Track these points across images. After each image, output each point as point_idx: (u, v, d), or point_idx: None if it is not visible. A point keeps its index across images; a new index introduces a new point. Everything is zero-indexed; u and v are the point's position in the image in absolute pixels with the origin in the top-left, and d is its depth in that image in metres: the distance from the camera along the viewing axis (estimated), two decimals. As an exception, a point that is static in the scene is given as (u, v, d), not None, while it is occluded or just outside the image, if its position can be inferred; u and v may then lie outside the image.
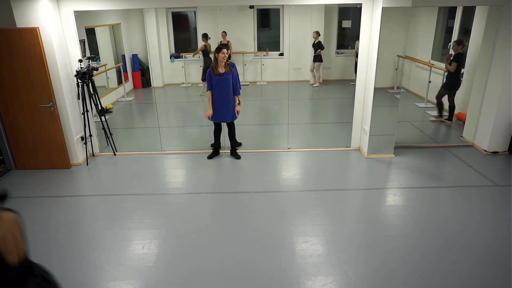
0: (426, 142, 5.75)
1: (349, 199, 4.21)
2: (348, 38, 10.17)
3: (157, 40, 9.32)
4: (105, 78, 7.97)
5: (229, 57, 4.83)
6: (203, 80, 8.34)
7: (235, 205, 4.12)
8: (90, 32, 7.29)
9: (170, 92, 9.51)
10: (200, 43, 9.48)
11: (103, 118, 5.42)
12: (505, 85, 4.92)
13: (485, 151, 5.31)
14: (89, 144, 5.34)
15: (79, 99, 5.10)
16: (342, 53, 10.04)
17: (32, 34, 4.41)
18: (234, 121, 5.14)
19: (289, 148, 5.58)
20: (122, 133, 6.58)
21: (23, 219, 1.79)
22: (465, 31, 6.89)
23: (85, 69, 4.90)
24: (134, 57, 9.37)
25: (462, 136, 5.81)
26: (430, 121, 6.72)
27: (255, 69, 9.78)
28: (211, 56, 8.04)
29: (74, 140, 5.09)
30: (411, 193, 4.28)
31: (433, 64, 7.39)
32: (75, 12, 4.75)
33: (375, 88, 4.90)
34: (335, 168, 4.96)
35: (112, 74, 8.47)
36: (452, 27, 7.24)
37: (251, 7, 9.17)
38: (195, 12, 9.67)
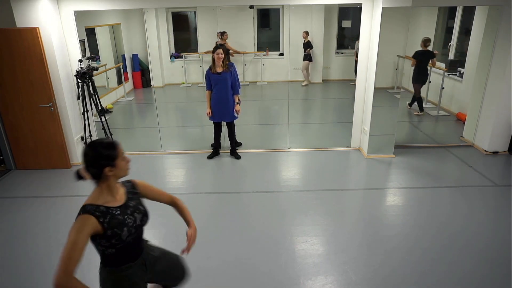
0: (426, 142, 5.75)
1: (349, 199, 4.21)
2: (348, 38, 10.18)
3: (157, 40, 9.32)
4: (105, 78, 7.98)
5: (228, 58, 4.83)
6: None
7: (235, 205, 4.12)
8: (90, 32, 7.29)
9: (170, 92, 9.51)
10: (201, 43, 9.51)
11: (103, 118, 5.42)
12: (505, 85, 4.92)
13: (485, 151, 5.31)
14: (89, 144, 5.33)
15: (79, 99, 5.10)
16: (342, 53, 10.04)
17: (32, 34, 4.41)
18: (234, 121, 5.14)
19: (289, 148, 5.58)
20: (122, 133, 6.58)
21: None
22: (465, 31, 6.90)
23: (85, 69, 4.90)
24: (134, 57, 9.37)
25: (462, 136, 5.81)
26: (415, 115, 7.12)
27: (255, 69, 9.77)
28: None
29: (74, 140, 5.09)
30: (411, 193, 4.28)
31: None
32: (75, 12, 4.75)
33: (375, 88, 4.90)
34: (335, 168, 4.96)
35: (112, 74, 8.47)
36: (452, 27, 7.24)
37: (251, 7, 9.17)
38: (195, 12, 9.67)
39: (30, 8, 4.42)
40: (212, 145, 5.45)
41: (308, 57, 9.08)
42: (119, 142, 1.79)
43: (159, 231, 3.61)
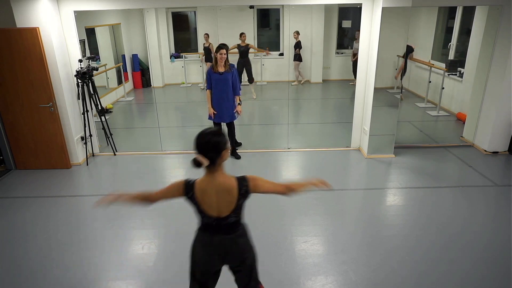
0: (426, 142, 5.75)
1: (349, 199, 4.21)
2: (348, 38, 10.18)
3: (157, 40, 9.32)
4: (105, 78, 7.98)
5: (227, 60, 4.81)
6: (251, 82, 8.40)
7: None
8: (90, 32, 7.29)
9: (170, 92, 9.51)
10: (201, 43, 9.50)
11: (103, 118, 5.42)
12: (505, 85, 4.92)
13: (485, 151, 5.31)
14: (89, 144, 5.34)
15: (79, 99, 5.10)
16: (342, 53, 10.05)
17: (32, 34, 4.41)
18: (234, 121, 5.14)
19: (289, 148, 5.58)
20: (122, 133, 6.58)
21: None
22: (466, 31, 6.90)
23: (85, 69, 4.90)
24: (134, 57, 9.37)
25: (462, 136, 5.81)
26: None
27: (255, 69, 9.75)
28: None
29: (74, 140, 5.09)
30: (411, 193, 4.28)
31: (433, 64, 7.39)
32: (75, 12, 4.75)
33: (375, 88, 4.90)
34: (335, 168, 4.96)
35: (112, 74, 8.47)
36: (452, 27, 7.24)
37: (251, 7, 9.17)
38: (195, 12, 9.67)
39: (30, 8, 4.42)
40: (212, 145, 5.44)
41: (297, 57, 9.09)
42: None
43: (159, 231, 3.61)
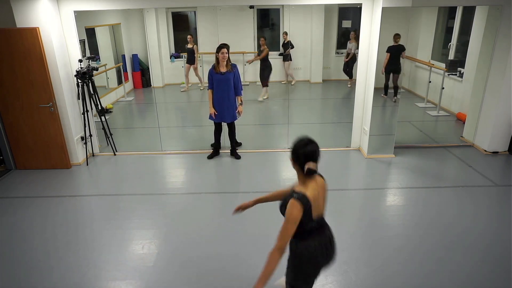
0: (426, 142, 5.75)
1: (349, 199, 4.21)
2: (348, 38, 10.17)
3: (157, 40, 9.32)
4: (105, 78, 7.98)
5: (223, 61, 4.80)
6: (263, 84, 8.38)
7: (235, 205, 4.09)
8: (90, 32, 7.29)
9: (170, 92, 9.51)
10: (201, 43, 9.50)
11: (103, 118, 5.42)
12: (505, 85, 4.92)
13: (485, 151, 5.31)
14: (89, 144, 5.34)
15: (79, 99, 5.10)
16: (342, 53, 10.03)
17: (32, 34, 4.41)
18: (234, 121, 5.14)
19: (289, 148, 5.57)
20: (122, 133, 6.58)
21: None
22: (466, 31, 6.90)
23: (85, 69, 4.90)
24: (134, 57, 9.37)
25: (462, 136, 5.81)
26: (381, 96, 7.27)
27: (255, 69, 9.77)
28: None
29: (74, 140, 5.09)
30: (411, 193, 4.28)
31: (433, 64, 7.39)
32: (75, 12, 4.75)
33: (375, 88, 4.90)
34: (335, 168, 4.96)
35: (112, 74, 8.47)
36: (452, 27, 7.24)
37: (251, 7, 9.16)
38: (195, 12, 9.67)
39: (30, 8, 4.42)
40: (212, 145, 5.45)
41: (288, 57, 9.09)
42: None
43: (159, 232, 3.61)
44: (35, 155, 5.01)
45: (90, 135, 5.30)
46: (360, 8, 4.84)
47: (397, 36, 6.22)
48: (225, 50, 4.72)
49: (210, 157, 5.30)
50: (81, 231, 3.66)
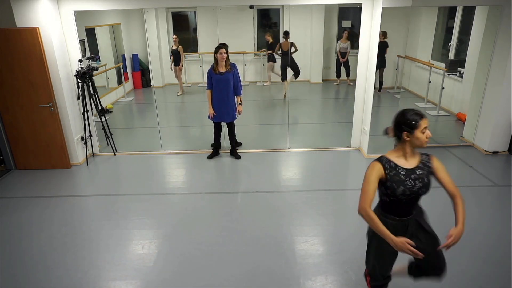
0: (426, 142, 5.74)
1: (349, 199, 4.21)
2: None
3: (157, 40, 9.31)
4: (105, 78, 7.97)
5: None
6: (282, 80, 8.35)
7: (235, 205, 4.12)
8: (90, 32, 7.29)
9: (170, 92, 9.50)
10: (201, 43, 9.50)
11: (103, 118, 5.42)
12: (505, 85, 4.92)
13: (485, 151, 5.31)
14: (89, 144, 5.34)
15: (79, 99, 5.10)
16: (349, 53, 10.01)
17: (32, 34, 4.41)
18: (234, 121, 5.14)
19: (289, 148, 5.58)
20: (122, 133, 6.58)
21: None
22: (466, 31, 6.90)
23: (85, 69, 4.90)
24: (134, 57, 9.37)
25: (462, 136, 5.81)
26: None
27: (255, 69, 9.77)
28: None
29: (74, 140, 5.09)
30: (411, 193, 4.27)
31: (433, 64, 7.39)
32: (75, 12, 4.75)
33: (375, 88, 4.90)
34: (335, 168, 4.96)
35: (112, 74, 8.46)
36: (452, 27, 7.24)
37: (251, 7, 9.16)
38: (195, 12, 9.67)
39: (30, 8, 4.42)
40: (212, 145, 5.45)
41: (271, 58, 9.02)
42: (425, 117, 2.07)
43: (159, 232, 3.61)
44: (35, 155, 5.01)
45: (90, 135, 5.30)
46: (360, 8, 4.84)
47: (382, 34, 6.24)
48: (223, 50, 4.72)
49: (210, 157, 5.30)
50: (81, 231, 3.66)
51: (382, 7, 4.47)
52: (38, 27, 4.42)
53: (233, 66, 4.88)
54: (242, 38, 9.50)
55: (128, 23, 9.11)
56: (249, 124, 6.73)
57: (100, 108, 5.32)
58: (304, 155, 5.39)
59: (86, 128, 5.17)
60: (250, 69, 9.77)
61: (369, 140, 5.16)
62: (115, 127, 6.45)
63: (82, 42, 5.74)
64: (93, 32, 7.49)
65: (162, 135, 5.87)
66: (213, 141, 5.39)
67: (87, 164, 5.21)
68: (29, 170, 5.07)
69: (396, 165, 2.12)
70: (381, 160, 2.14)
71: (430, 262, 2.36)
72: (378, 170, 2.11)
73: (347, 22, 9.86)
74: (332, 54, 9.92)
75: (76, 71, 4.89)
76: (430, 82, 7.33)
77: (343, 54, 8.80)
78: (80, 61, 4.90)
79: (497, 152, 5.28)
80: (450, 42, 7.30)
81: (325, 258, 3.17)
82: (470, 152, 5.34)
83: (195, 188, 4.49)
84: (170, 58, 9.01)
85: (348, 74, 8.98)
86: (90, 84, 5.04)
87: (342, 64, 8.98)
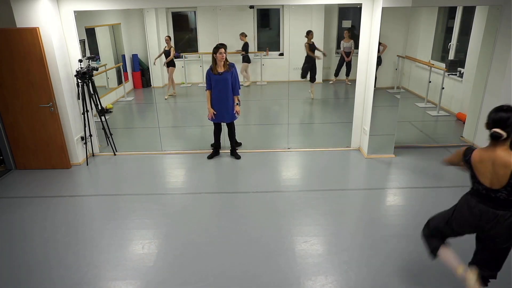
0: (426, 142, 5.75)
1: (349, 199, 4.21)
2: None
3: (157, 40, 9.31)
4: (105, 78, 7.97)
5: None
6: (303, 77, 8.30)
7: (235, 205, 4.12)
8: (90, 32, 7.29)
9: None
10: (201, 43, 9.50)
11: (103, 118, 5.42)
12: (505, 85, 4.92)
13: (485, 151, 5.30)
14: (89, 144, 5.34)
15: (79, 99, 5.10)
16: (353, 52, 10.00)
17: (32, 34, 4.41)
18: (234, 121, 5.14)
19: (289, 148, 5.58)
20: (122, 133, 6.58)
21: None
22: (465, 31, 6.90)
23: (85, 69, 4.90)
24: (134, 57, 9.36)
25: (462, 136, 5.81)
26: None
27: (255, 69, 9.77)
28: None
29: (74, 140, 5.09)
30: (411, 193, 4.28)
31: (433, 64, 7.39)
32: (75, 12, 4.75)
33: (375, 88, 4.90)
34: (335, 168, 4.96)
35: (112, 74, 8.46)
36: (452, 27, 7.24)
37: (251, 7, 9.16)
38: (195, 12, 9.67)
39: (30, 8, 4.42)
40: (212, 145, 5.45)
41: (246, 59, 8.97)
42: None
43: (159, 232, 3.61)
44: (35, 155, 5.01)
45: (90, 135, 5.30)
46: (360, 8, 4.84)
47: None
48: (222, 50, 4.72)
49: (210, 157, 5.30)
50: (81, 231, 3.66)
51: (382, 7, 4.47)
52: (38, 27, 4.42)
53: (231, 66, 4.88)
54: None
55: (128, 23, 9.11)
56: (249, 124, 6.73)
57: (100, 108, 5.32)
58: (304, 155, 5.39)
59: (86, 128, 5.17)
60: (250, 69, 9.77)
61: (369, 140, 5.16)
62: (115, 127, 6.45)
63: (82, 42, 5.74)
64: (93, 32, 7.48)
65: (162, 135, 5.87)
66: (213, 141, 5.40)
67: (87, 164, 5.21)
68: (29, 170, 5.07)
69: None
70: (468, 148, 2.34)
71: (495, 264, 2.50)
72: (459, 155, 2.38)
73: (347, 22, 9.86)
74: (332, 54, 9.92)
75: (76, 71, 4.89)
76: (430, 82, 7.33)
77: (348, 53, 8.79)
78: (80, 61, 4.90)
79: (497, 152, 5.28)
80: (450, 42, 7.30)
81: (325, 258, 3.17)
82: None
83: (195, 188, 4.49)
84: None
85: (348, 74, 8.96)
86: (90, 84, 5.04)
87: (344, 64, 8.95)
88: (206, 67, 4.98)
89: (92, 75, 5.07)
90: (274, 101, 8.53)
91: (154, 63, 8.69)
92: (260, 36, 9.81)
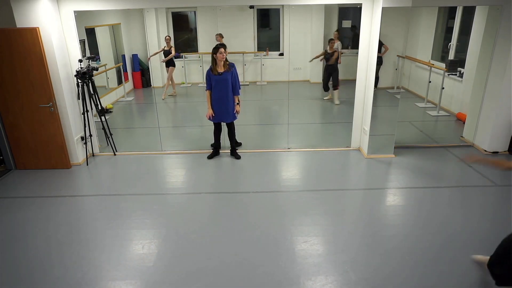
0: (426, 142, 5.75)
1: (349, 199, 4.21)
2: (348, 38, 10.16)
3: (157, 40, 9.31)
4: (105, 78, 7.97)
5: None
6: (326, 90, 8.02)
7: (235, 205, 4.12)
8: (90, 32, 7.29)
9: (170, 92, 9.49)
10: (201, 43, 9.50)
11: (103, 118, 5.42)
12: (505, 85, 4.92)
13: (485, 151, 5.31)
14: (89, 144, 5.34)
15: (79, 99, 5.10)
16: (342, 53, 10.01)
17: (32, 34, 4.41)
18: (234, 121, 5.14)
19: (289, 148, 5.58)
20: (122, 133, 6.58)
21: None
22: (465, 31, 6.90)
23: (85, 69, 4.90)
24: (134, 57, 9.36)
25: (462, 136, 5.81)
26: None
27: (255, 69, 9.77)
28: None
29: (74, 140, 5.09)
30: (411, 193, 4.28)
31: (433, 64, 7.39)
32: (75, 12, 4.75)
33: (376, 88, 4.90)
34: (335, 168, 4.96)
35: (112, 74, 8.46)
36: (452, 27, 7.24)
37: (251, 7, 9.16)
38: (195, 12, 9.67)
39: (30, 8, 4.42)
40: (212, 145, 5.45)
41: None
42: None
43: (159, 232, 3.61)
44: (35, 155, 5.02)
45: (90, 135, 5.30)
46: (360, 8, 4.84)
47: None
48: (222, 49, 4.72)
49: (210, 157, 5.30)
50: (81, 231, 3.66)
51: (382, 7, 4.47)
52: (38, 27, 4.42)
53: (231, 65, 4.88)
54: (242, 38, 9.51)
55: (128, 23, 9.11)
56: (249, 124, 6.73)
57: (100, 108, 5.32)
58: (304, 155, 5.39)
59: (86, 128, 5.17)
60: (250, 69, 9.77)
61: (369, 140, 5.16)
62: (115, 127, 6.45)
63: (82, 42, 5.74)
64: (93, 32, 7.48)
65: (162, 135, 5.87)
66: (213, 141, 5.40)
67: (87, 164, 5.21)
68: (29, 170, 5.07)
69: None
70: None
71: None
72: None
73: (347, 22, 9.86)
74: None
75: (76, 71, 4.89)
76: (430, 82, 7.33)
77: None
78: (80, 61, 4.90)
79: (497, 152, 5.28)
80: (450, 42, 7.31)
81: (325, 258, 3.17)
82: (470, 152, 5.34)
83: (195, 188, 4.49)
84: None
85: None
86: (90, 84, 5.04)
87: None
88: (206, 67, 4.98)
89: (92, 75, 5.07)
90: (274, 101, 8.53)
91: (149, 59, 8.55)
92: (260, 36, 9.81)
